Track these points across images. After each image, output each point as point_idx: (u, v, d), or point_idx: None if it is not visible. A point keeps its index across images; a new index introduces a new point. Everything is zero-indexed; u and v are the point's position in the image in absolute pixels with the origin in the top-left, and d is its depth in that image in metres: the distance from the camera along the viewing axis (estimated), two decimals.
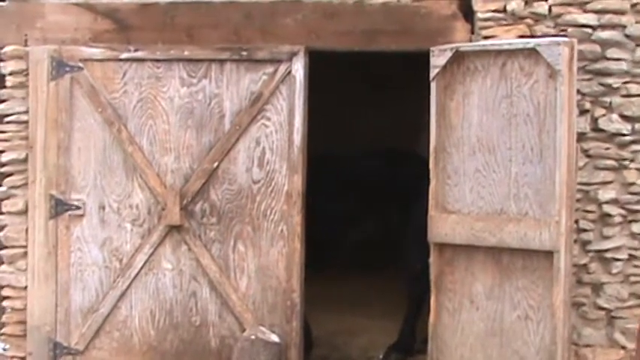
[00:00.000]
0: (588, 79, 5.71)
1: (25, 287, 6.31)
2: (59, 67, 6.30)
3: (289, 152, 6.15)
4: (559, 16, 5.73)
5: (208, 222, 6.23)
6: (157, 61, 6.24)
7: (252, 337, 5.97)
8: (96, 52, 6.30)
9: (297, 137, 6.15)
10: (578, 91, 5.55)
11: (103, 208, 6.32)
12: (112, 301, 6.29)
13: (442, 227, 5.73)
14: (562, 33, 5.68)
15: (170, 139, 6.25)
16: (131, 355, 6.24)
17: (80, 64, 6.29)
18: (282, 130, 6.17)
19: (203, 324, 6.19)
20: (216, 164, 6.20)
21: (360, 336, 7.38)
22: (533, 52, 5.40)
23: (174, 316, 6.27)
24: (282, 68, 6.12)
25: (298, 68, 6.11)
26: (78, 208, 6.33)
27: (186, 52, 6.20)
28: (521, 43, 5.51)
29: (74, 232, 6.33)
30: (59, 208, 6.33)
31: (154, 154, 6.26)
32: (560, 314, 5.34)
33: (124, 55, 6.27)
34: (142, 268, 6.28)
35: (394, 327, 7.23)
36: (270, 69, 6.14)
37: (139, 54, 6.25)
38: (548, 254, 5.39)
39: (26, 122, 6.31)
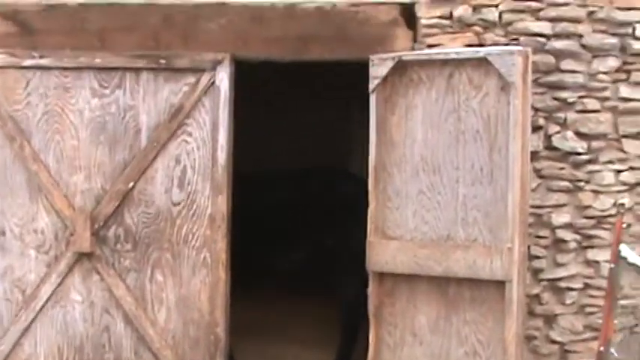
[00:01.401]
0: (541, 93, 5.27)
1: None
2: None
3: (213, 171, 5.58)
4: (510, 23, 5.30)
5: (123, 248, 5.64)
6: (65, 69, 5.63)
7: None
8: None
9: (222, 155, 5.57)
10: (531, 106, 5.07)
11: (4, 233, 5.69)
12: (14, 337, 5.68)
13: (382, 254, 5.19)
14: (513, 42, 5.22)
15: (80, 156, 5.65)
16: None
17: None
18: (204, 146, 5.60)
19: None
20: (131, 184, 5.62)
21: None
22: (483, 62, 4.93)
23: (84, 354, 5.68)
24: (205, 78, 5.56)
25: (223, 78, 5.54)
26: None
27: (97, 60, 5.61)
28: (470, 52, 5.04)
29: None
30: None
31: (62, 173, 5.66)
32: (513, 350, 4.88)
33: (28, 62, 5.63)
34: (48, 300, 5.67)
35: (327, 358, 6.70)
36: (191, 79, 5.57)
37: (45, 61, 5.63)
38: (500, 284, 4.91)
39: None
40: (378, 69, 5.20)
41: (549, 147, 5.33)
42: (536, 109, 5.28)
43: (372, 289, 5.26)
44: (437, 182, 5.11)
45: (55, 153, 5.64)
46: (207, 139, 5.59)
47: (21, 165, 5.65)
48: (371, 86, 5.23)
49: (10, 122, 5.63)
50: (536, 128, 5.28)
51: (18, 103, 5.65)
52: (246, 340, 6.60)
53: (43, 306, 5.64)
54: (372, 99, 5.23)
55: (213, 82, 5.55)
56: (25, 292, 5.66)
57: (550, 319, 5.41)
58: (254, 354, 6.87)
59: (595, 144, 5.32)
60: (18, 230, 5.66)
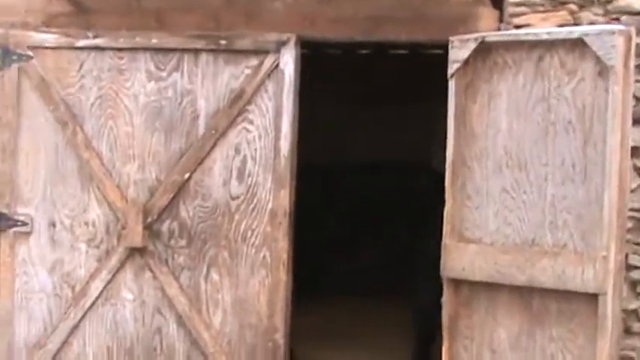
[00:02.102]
0: None
1: None
2: (5, 55, 5.29)
3: (275, 162, 5.11)
4: (610, 1, 4.76)
5: (177, 244, 5.21)
6: (120, 50, 5.24)
7: None
8: (48, 38, 5.29)
9: (285, 144, 5.10)
10: (633, 95, 4.46)
11: (54, 224, 5.31)
12: (63, 335, 5.30)
13: (459, 259, 4.64)
14: (614, 22, 4.60)
15: (134, 144, 5.25)
16: None
17: (29, 53, 5.26)
18: (267, 135, 5.13)
19: None
20: (187, 175, 5.19)
21: None
22: (578, 44, 4.33)
23: (134, 356, 5.27)
24: (269, 61, 5.09)
25: (288, 61, 5.07)
26: (24, 224, 5.30)
27: (154, 40, 5.20)
28: (563, 32, 4.44)
29: (19, 253, 5.33)
30: (2, 223, 5.33)
31: (114, 162, 5.26)
32: None
33: (82, 43, 5.26)
34: (98, 297, 5.28)
35: None
36: (254, 62, 5.11)
37: (99, 41, 5.25)
38: (592, 297, 4.31)
39: None
40: (459, 52, 4.64)
41: None
42: (638, 99, 4.69)
43: (446, 297, 4.71)
44: (522, 179, 4.53)
45: (108, 140, 5.25)
46: (270, 128, 5.13)
47: (72, 152, 5.28)
48: (450, 71, 4.68)
49: (62, 106, 5.27)
50: (637, 120, 4.66)
51: (71, 86, 5.29)
52: (309, 347, 6.11)
53: (92, 303, 5.26)
54: (451, 85, 4.68)
55: (277, 65, 5.08)
56: (75, 288, 5.29)
57: None
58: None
59: None
60: (69, 222, 5.29)
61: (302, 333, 5.65)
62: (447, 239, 4.70)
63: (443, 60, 4.71)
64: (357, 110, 7.69)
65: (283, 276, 5.13)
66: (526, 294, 4.50)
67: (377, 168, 6.26)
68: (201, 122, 5.20)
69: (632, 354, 4.78)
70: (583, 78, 4.36)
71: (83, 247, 5.29)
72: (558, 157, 4.44)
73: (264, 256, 5.15)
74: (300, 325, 5.46)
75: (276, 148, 5.11)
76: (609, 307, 4.27)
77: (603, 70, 4.28)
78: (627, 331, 4.75)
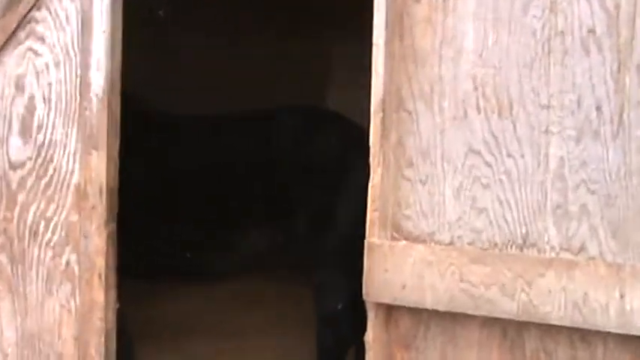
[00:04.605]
0: None
1: None
2: None
3: (81, 106, 3.03)
4: None
5: None
6: None
7: None
8: None
9: (98, 76, 3.02)
10: None
11: None
12: None
13: (395, 270, 2.69)
14: None
15: None
16: None
17: None
18: (68, 61, 3.06)
19: None
20: None
21: None
22: None
23: None
24: None
25: None
26: None
27: None
28: None
29: None
30: None
31: None
32: None
33: None
34: None
35: None
36: None
37: None
38: (634, 340, 2.43)
39: None
40: None
41: None
42: None
43: (373, 332, 2.76)
44: (505, 132, 2.60)
45: None
46: (73, 48, 3.05)
47: None
48: None
49: None
50: None
51: None
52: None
53: None
54: None
55: None
56: None
57: None
58: None
59: None
60: None
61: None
62: (372, 236, 2.74)
63: None
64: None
65: (99, 295, 3.08)
66: (515, 333, 2.59)
67: (258, 119, 4.19)
68: None
69: None
70: None
71: None
72: (570, 94, 2.53)
73: (67, 262, 3.10)
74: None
75: (84, 83, 3.04)
76: None
77: None
78: None
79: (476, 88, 2.64)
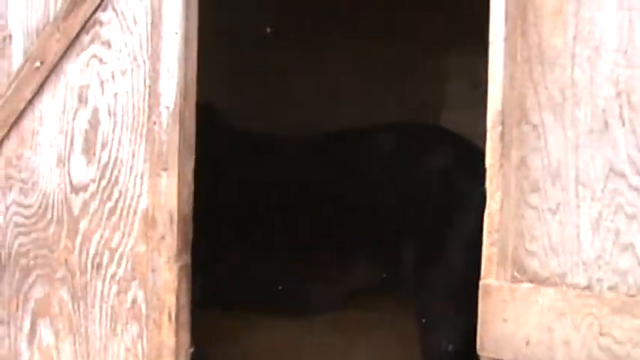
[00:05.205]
0: None
1: None
2: None
3: (150, 120, 2.64)
4: None
5: None
6: None
7: None
8: None
9: (170, 86, 2.63)
10: None
11: None
12: None
13: (516, 320, 2.19)
14: None
15: None
16: None
17: None
18: (137, 69, 2.67)
19: None
20: None
21: None
22: None
23: None
24: None
25: None
26: None
27: None
28: None
29: None
30: None
31: None
32: None
33: None
34: None
35: None
36: None
37: None
38: None
39: None
40: None
41: None
42: None
43: None
44: None
45: None
46: (142, 54, 2.67)
47: None
48: None
49: None
50: None
51: None
52: None
53: None
54: None
55: None
56: None
57: None
58: None
59: None
60: None
61: None
62: (488, 276, 2.24)
63: None
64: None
65: (170, 337, 2.68)
66: None
67: (354, 137, 3.72)
68: (16, 48, 2.74)
69: None
70: None
71: None
72: None
73: (133, 300, 2.71)
74: None
75: (153, 94, 2.65)
76: None
77: None
78: None
79: (619, 95, 2.13)
